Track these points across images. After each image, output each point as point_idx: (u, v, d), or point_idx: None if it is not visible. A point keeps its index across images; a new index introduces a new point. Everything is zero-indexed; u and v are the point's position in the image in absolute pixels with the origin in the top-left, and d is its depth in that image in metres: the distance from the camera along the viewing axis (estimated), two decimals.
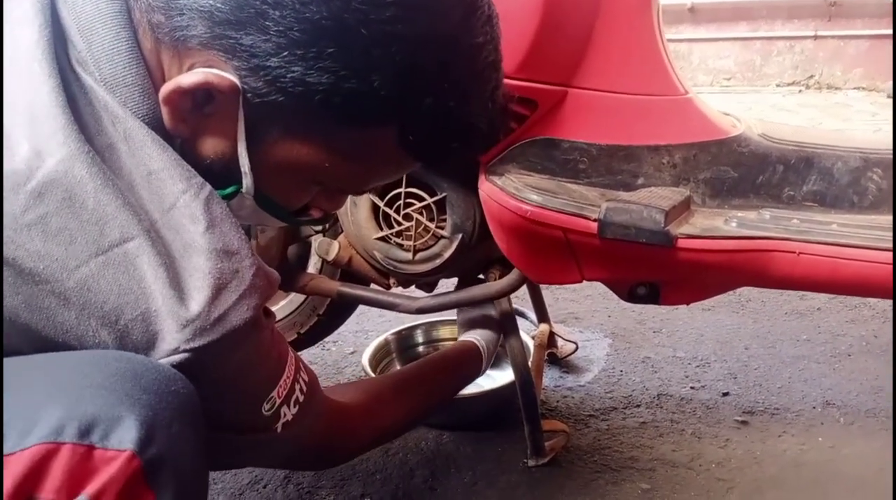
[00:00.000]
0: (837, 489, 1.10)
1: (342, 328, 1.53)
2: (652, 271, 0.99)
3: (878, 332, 1.68)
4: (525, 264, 1.02)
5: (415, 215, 1.05)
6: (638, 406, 1.38)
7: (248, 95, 0.58)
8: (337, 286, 1.13)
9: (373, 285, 1.19)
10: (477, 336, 1.14)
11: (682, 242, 0.93)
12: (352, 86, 0.57)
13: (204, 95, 0.58)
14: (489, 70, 0.65)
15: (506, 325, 1.16)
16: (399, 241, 1.08)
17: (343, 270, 1.18)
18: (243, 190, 0.64)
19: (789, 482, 1.13)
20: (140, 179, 0.56)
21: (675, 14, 4.62)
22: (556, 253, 0.98)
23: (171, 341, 0.53)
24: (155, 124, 0.59)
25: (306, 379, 0.71)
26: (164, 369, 0.52)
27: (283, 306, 1.30)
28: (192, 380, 0.53)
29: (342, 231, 1.14)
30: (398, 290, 1.18)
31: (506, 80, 0.78)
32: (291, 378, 0.67)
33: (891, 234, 0.92)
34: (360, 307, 1.52)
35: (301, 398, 0.68)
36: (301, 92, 0.57)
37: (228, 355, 0.56)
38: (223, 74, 0.57)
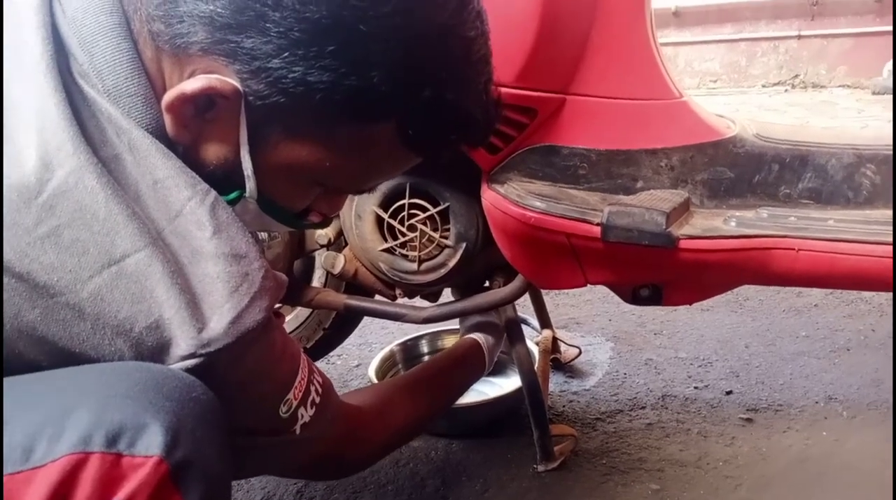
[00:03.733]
0: (844, 482, 1.11)
1: (346, 342, 1.54)
2: (654, 272, 1.01)
3: (876, 326, 1.70)
4: (529, 270, 1.03)
5: (419, 226, 1.06)
6: (643, 408, 1.39)
7: (250, 98, 0.59)
8: (343, 299, 1.14)
9: (377, 297, 1.20)
10: (478, 335, 1.14)
11: (683, 243, 0.95)
12: (352, 82, 0.58)
13: (206, 100, 0.59)
14: (482, 62, 0.66)
15: (511, 332, 1.17)
16: (404, 252, 1.09)
17: (348, 283, 1.19)
18: (246, 194, 0.65)
19: (796, 476, 1.14)
20: (146, 189, 0.57)
21: (659, 18, 4.66)
22: (560, 258, 0.99)
23: (186, 347, 0.54)
24: (158, 133, 0.60)
25: (321, 381, 0.72)
26: (184, 377, 0.53)
27: (290, 321, 1.31)
28: (208, 385, 0.54)
29: (347, 245, 1.15)
30: (404, 300, 1.19)
31: (505, 90, 0.79)
32: (306, 380, 0.68)
33: (886, 228, 0.94)
34: (363, 321, 1.52)
35: (317, 400, 0.69)
36: (302, 92, 0.58)
37: (242, 357, 0.57)
38: (225, 79, 0.58)
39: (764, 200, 1.07)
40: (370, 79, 0.58)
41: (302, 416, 0.67)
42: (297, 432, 0.67)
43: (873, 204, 1.04)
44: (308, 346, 1.33)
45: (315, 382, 0.70)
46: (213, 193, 0.60)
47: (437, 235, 1.07)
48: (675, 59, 4.86)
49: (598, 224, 0.94)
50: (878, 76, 2.48)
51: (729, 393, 1.42)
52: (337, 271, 1.11)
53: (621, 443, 1.27)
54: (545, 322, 1.55)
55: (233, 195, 0.64)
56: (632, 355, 1.63)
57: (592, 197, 1.01)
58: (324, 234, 1.12)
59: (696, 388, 1.45)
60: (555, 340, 1.54)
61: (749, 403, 1.38)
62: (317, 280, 1.18)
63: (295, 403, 0.66)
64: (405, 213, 1.06)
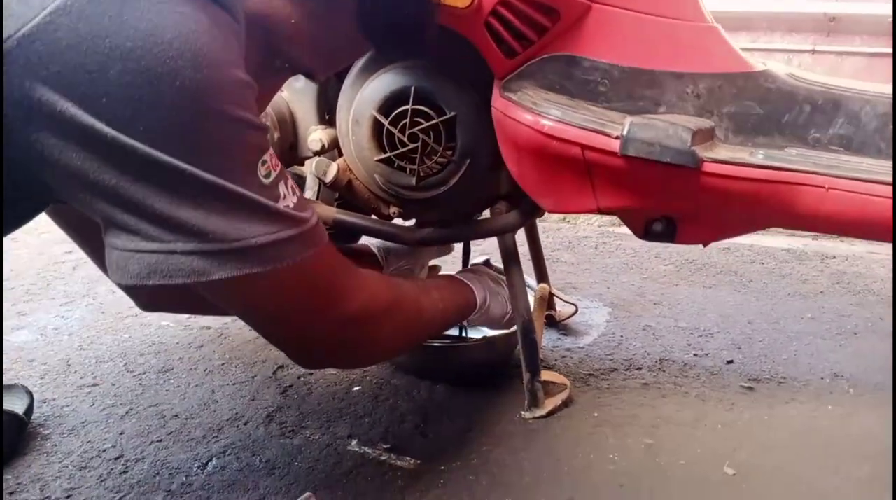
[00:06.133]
0: (853, 454, 1.04)
1: None
2: (672, 199, 0.93)
3: (885, 316, 1.63)
4: (537, 188, 0.96)
5: (421, 136, 0.98)
6: (639, 369, 1.32)
7: None
8: (333, 213, 1.06)
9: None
10: (476, 283, 1.07)
11: (708, 167, 0.88)
12: None
13: None
14: None
15: (509, 265, 1.09)
16: (403, 164, 1.01)
17: (341, 197, 1.11)
18: None
19: (801, 445, 1.07)
20: None
21: None
22: (572, 176, 0.92)
23: None
24: None
25: (298, 194, 0.66)
26: None
27: None
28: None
29: (341, 155, 1.07)
30: (398, 221, 1.11)
31: None
32: (279, 167, 0.63)
33: None
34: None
35: (297, 194, 0.65)
36: None
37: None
38: None
39: (792, 141, 1.00)
40: None
41: (284, 195, 0.62)
42: (282, 211, 0.61)
43: None
44: None
45: (291, 185, 0.65)
46: None
47: (439, 148, 0.99)
48: None
49: (617, 137, 0.87)
50: None
51: (730, 362, 1.35)
52: (329, 179, 1.03)
53: (614, 399, 1.19)
54: (542, 276, 1.47)
55: None
56: (629, 321, 1.55)
57: (613, 114, 0.93)
58: (317, 139, 1.04)
59: (695, 355, 1.38)
60: (551, 295, 1.47)
61: (751, 373, 1.31)
62: (309, 191, 1.09)
63: (274, 172, 0.62)
64: (407, 120, 0.98)
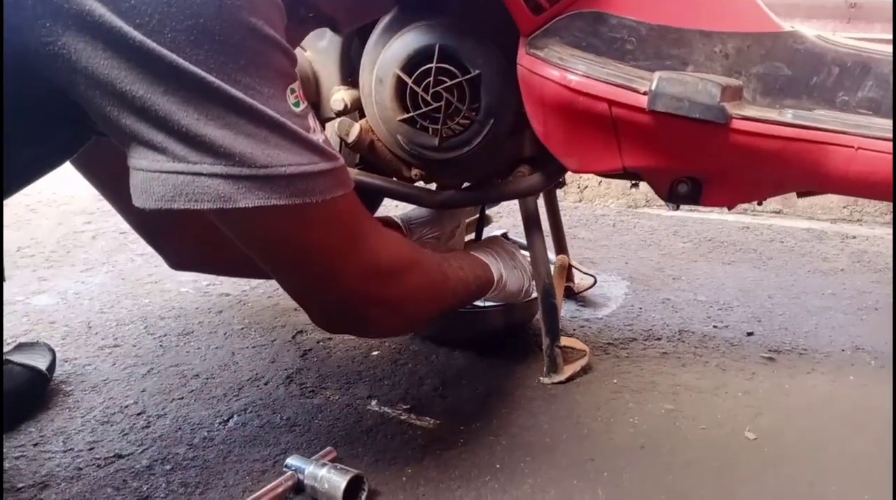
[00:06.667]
0: (872, 421, 1.03)
1: None
2: (699, 157, 0.92)
3: None
4: (563, 146, 0.95)
5: (445, 95, 0.97)
6: (659, 339, 1.31)
7: None
8: (355, 174, 1.06)
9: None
10: (492, 259, 1.03)
11: (736, 124, 0.87)
12: None
13: None
14: None
15: (530, 229, 1.09)
16: (426, 124, 1.00)
17: (363, 160, 1.11)
18: None
19: (822, 413, 1.06)
20: None
21: None
22: (598, 133, 0.91)
23: None
24: None
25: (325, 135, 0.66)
26: None
27: None
28: None
29: (363, 117, 1.07)
30: (420, 184, 1.10)
31: None
32: (307, 103, 0.63)
33: None
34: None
35: (324, 134, 0.64)
36: None
37: None
38: None
39: (820, 103, 0.98)
40: None
41: (314, 128, 0.61)
42: (312, 141, 0.60)
43: None
44: None
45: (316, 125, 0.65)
46: None
47: (463, 108, 0.98)
48: None
49: (645, 93, 0.86)
50: None
51: (750, 334, 1.34)
52: (351, 139, 1.03)
53: (634, 367, 1.19)
54: (562, 247, 1.47)
55: None
56: (648, 294, 1.54)
57: (640, 72, 0.92)
58: (340, 99, 1.03)
59: (715, 327, 1.37)
60: (570, 267, 1.46)
61: (771, 345, 1.30)
62: None
63: (303, 102, 0.61)
64: (431, 79, 0.97)
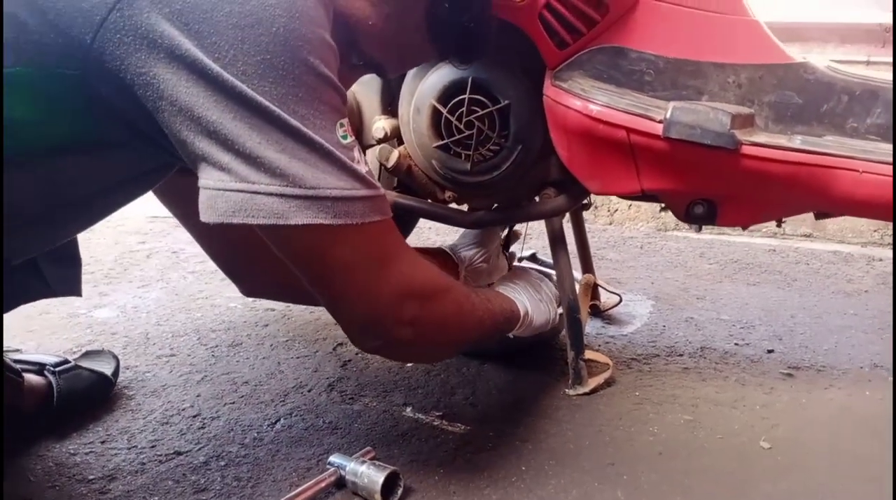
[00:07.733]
0: (887, 433, 1.07)
1: None
2: (712, 181, 0.99)
3: None
4: (585, 171, 1.03)
5: (476, 123, 1.06)
6: (681, 355, 1.37)
7: None
8: (393, 196, 1.14)
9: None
10: (519, 295, 1.06)
11: (746, 149, 0.93)
12: None
13: None
14: None
15: (555, 246, 1.16)
16: (459, 150, 1.09)
17: (400, 183, 1.19)
18: None
19: (838, 424, 1.10)
20: None
21: None
22: (618, 158, 0.98)
23: None
24: None
25: (369, 168, 0.74)
26: None
27: None
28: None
29: (401, 144, 1.16)
30: (453, 205, 1.19)
31: None
32: (352, 135, 0.71)
33: None
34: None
35: (368, 166, 0.72)
36: None
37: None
38: None
39: (830, 130, 1.05)
40: None
41: (358, 159, 0.69)
42: (356, 172, 0.68)
43: None
44: None
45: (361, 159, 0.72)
46: None
47: (493, 135, 1.07)
48: None
49: (660, 121, 0.93)
50: None
51: (770, 352, 1.39)
52: (391, 164, 1.12)
53: (655, 380, 1.25)
54: (588, 267, 1.54)
55: None
56: (672, 313, 1.60)
57: (657, 102, 1.00)
58: (380, 127, 1.13)
59: (736, 344, 1.42)
60: (595, 286, 1.53)
61: (791, 362, 1.34)
62: None
63: (350, 135, 0.69)
64: (464, 109, 1.06)
